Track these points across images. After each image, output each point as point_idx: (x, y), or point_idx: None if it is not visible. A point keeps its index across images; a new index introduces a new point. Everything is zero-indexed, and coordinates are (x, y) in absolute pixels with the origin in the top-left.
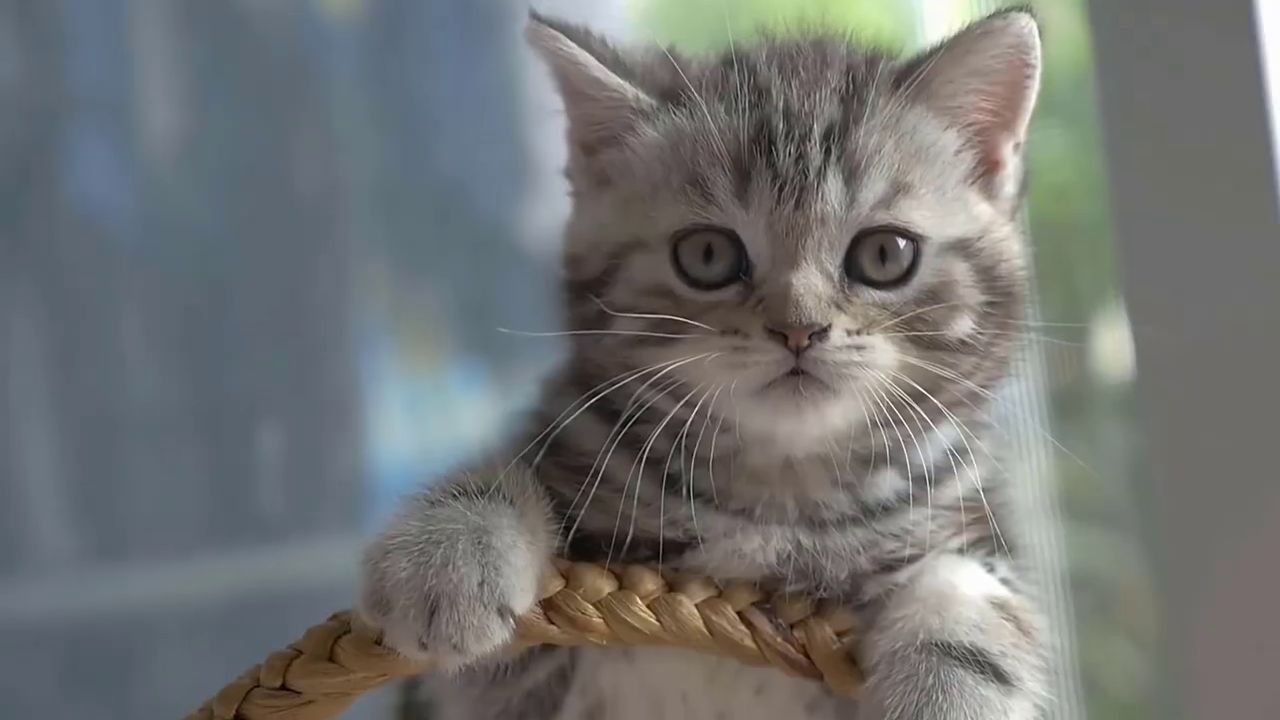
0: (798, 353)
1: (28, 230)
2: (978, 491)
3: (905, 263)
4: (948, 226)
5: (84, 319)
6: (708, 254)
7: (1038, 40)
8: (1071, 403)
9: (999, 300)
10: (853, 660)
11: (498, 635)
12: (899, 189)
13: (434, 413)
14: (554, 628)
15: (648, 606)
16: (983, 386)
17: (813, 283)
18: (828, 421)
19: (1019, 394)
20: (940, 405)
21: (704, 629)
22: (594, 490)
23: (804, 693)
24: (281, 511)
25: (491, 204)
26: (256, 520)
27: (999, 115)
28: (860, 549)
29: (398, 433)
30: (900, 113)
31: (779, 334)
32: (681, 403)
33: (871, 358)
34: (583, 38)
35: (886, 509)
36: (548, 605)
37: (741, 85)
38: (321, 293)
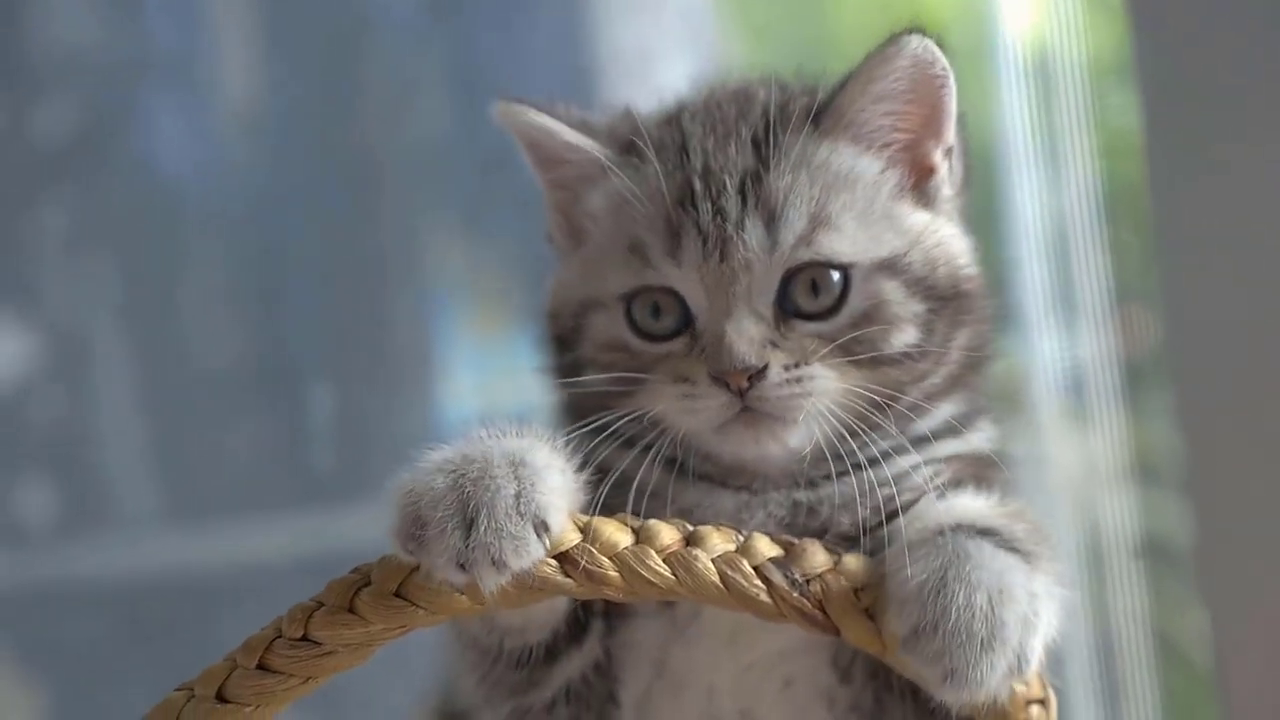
0: (741, 394)
1: (101, 190)
2: (973, 452)
3: (837, 291)
4: (874, 248)
5: (156, 278)
6: (656, 310)
7: (937, 52)
8: (1147, 368)
9: (943, 303)
10: (869, 615)
11: (534, 550)
12: (818, 223)
13: (501, 374)
14: (570, 580)
15: (664, 561)
16: (958, 377)
17: (744, 327)
18: (789, 446)
19: (1093, 361)
20: (907, 408)
21: (719, 584)
22: (605, 490)
23: (823, 686)
24: (349, 472)
25: None
26: (324, 481)
27: (921, 128)
28: (857, 496)
29: (465, 394)
30: (814, 149)
31: (721, 380)
32: (659, 432)
33: (812, 386)
34: (549, 107)
35: (875, 461)
36: (563, 558)
37: (670, 146)
38: (390, 254)
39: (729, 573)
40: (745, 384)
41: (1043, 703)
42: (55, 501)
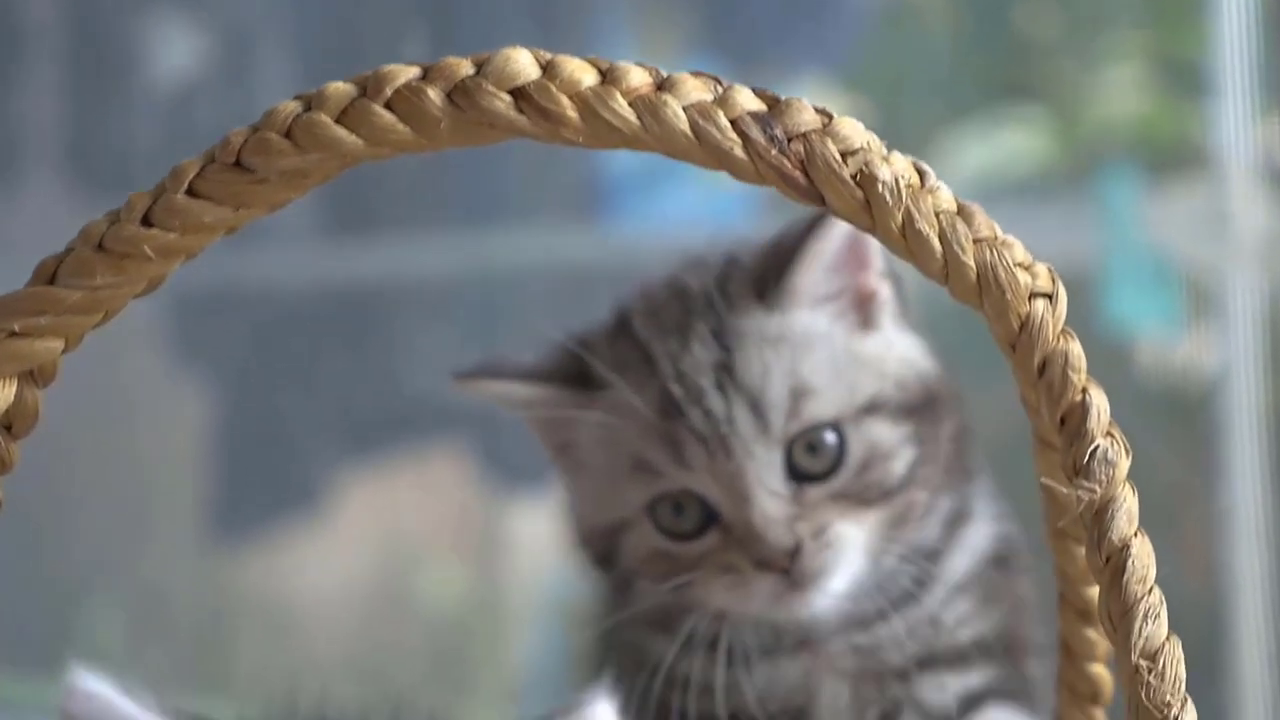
0: (786, 570)
1: None
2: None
3: (835, 448)
4: (854, 395)
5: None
6: (679, 508)
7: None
8: None
9: (923, 411)
10: (857, 183)
11: None
12: (799, 394)
13: None
14: (524, 118)
15: (629, 104)
16: (952, 463)
17: (769, 512)
18: (833, 592)
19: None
20: (920, 511)
21: (689, 133)
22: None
23: None
24: (518, 196)
25: None
26: (495, 201)
27: (858, 269)
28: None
29: None
30: (769, 323)
31: (764, 564)
32: (710, 620)
33: (843, 543)
34: (497, 368)
35: (910, 595)
36: (519, 94)
37: (632, 361)
38: None
39: (701, 123)
40: (787, 562)
41: (1049, 298)
42: None
